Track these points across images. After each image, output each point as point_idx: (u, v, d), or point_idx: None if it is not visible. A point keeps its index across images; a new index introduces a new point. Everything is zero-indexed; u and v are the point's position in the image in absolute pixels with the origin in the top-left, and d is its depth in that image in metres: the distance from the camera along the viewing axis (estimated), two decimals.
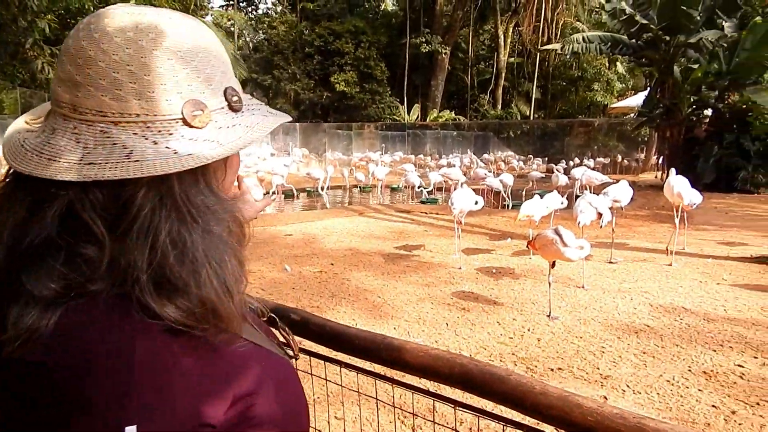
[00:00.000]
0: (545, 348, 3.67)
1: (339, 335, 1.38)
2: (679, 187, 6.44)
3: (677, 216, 6.40)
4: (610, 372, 3.23)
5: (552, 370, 3.30)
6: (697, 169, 12.63)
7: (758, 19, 13.60)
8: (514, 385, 1.08)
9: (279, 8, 34.17)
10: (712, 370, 3.22)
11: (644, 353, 3.51)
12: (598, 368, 3.29)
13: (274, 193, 11.10)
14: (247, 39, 35.51)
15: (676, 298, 4.70)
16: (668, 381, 3.09)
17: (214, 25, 26.71)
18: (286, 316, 1.47)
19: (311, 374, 1.54)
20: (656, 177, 16.64)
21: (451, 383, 1.17)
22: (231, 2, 34.04)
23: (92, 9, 8.46)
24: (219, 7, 35.50)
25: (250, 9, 37.27)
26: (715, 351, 3.51)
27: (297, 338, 1.48)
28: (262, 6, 38.28)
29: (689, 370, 3.23)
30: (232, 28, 30.05)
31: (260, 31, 32.51)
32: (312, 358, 1.47)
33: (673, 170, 6.93)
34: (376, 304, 4.76)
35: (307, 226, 8.73)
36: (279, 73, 27.74)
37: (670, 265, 5.89)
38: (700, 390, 2.97)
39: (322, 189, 11.76)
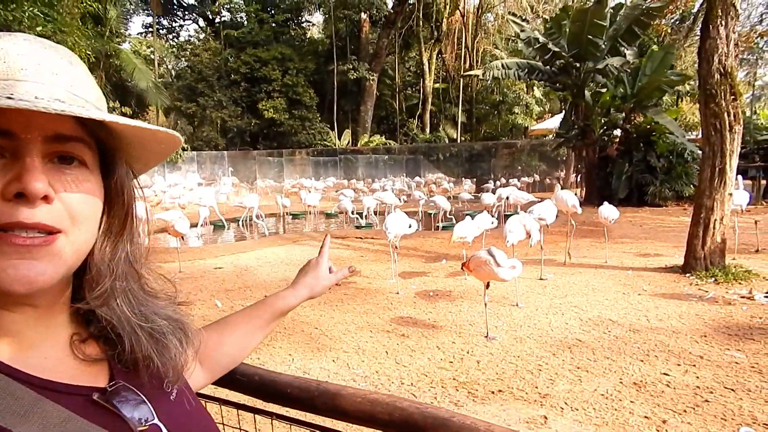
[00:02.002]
0: (485, 370, 3.67)
1: (269, 384, 1.26)
2: (566, 196, 7.16)
3: (574, 225, 6.76)
4: (548, 390, 3.27)
5: (493, 392, 3.30)
6: (611, 186, 13.52)
7: (655, 47, 14.99)
8: (458, 428, 1.02)
9: (202, 35, 33.49)
10: (641, 381, 3.35)
11: (578, 368, 3.60)
12: (537, 387, 3.33)
13: (202, 225, 10.64)
14: (169, 66, 34.43)
15: (603, 310, 4.90)
16: (602, 395, 3.17)
17: (132, 52, 25.65)
18: None
19: (240, 429, 1.41)
20: (576, 194, 17.57)
21: (393, 429, 1.09)
22: (150, 29, 32.94)
23: None
24: (137, 34, 34.21)
25: (171, 36, 36.24)
26: (642, 361, 3.66)
27: (225, 390, 1.36)
28: (183, 33, 37.39)
29: (621, 382, 3.34)
30: (152, 55, 29.00)
31: (182, 59, 31.61)
32: (240, 411, 1.34)
33: (557, 186, 7.53)
34: (313, 336, 4.60)
35: (239, 258, 8.41)
36: (204, 100, 27.00)
37: (564, 263, 6.18)
38: (632, 402, 3.07)
39: (258, 217, 11.43)
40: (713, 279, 5.75)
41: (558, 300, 5.34)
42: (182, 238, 7.95)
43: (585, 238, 9.19)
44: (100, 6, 20.02)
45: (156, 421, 0.58)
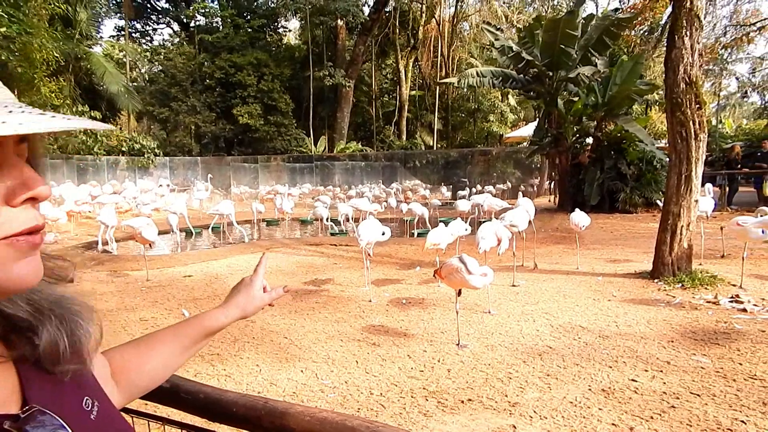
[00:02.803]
0: (455, 379, 3.63)
1: (214, 403, 1.19)
2: (526, 205, 7.47)
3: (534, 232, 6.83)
4: (518, 398, 3.24)
5: (462, 401, 3.26)
6: (584, 193, 13.73)
7: (625, 57, 15.34)
8: None
9: (176, 40, 33.04)
10: (609, 387, 3.35)
11: (548, 375, 3.59)
12: (506, 395, 3.30)
13: (172, 232, 10.40)
14: (142, 71, 33.84)
15: (573, 317, 4.93)
16: (571, 402, 3.16)
17: (104, 55, 25.12)
18: None
19: None
20: (549, 201, 17.85)
21: None
22: (122, 33, 32.33)
23: None
24: (109, 37, 33.54)
25: (144, 40, 35.66)
26: (611, 367, 3.67)
27: (168, 409, 1.28)
28: (157, 37, 36.71)
29: (589, 389, 3.33)
30: (125, 59, 28.46)
31: (156, 63, 31.09)
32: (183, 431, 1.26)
33: (520, 194, 7.80)
34: (282, 345, 4.50)
35: (209, 266, 8.24)
36: (177, 105, 26.56)
37: (534, 268, 6.23)
38: (600, 409, 3.06)
39: (233, 223, 11.26)
40: (680, 284, 5.84)
41: (530, 306, 5.35)
42: (150, 245, 7.75)
43: (558, 245, 9.29)
44: (69, 8, 19.59)
45: None
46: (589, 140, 15.00)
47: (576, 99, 14.55)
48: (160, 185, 19.58)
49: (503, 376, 3.62)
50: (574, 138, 14.89)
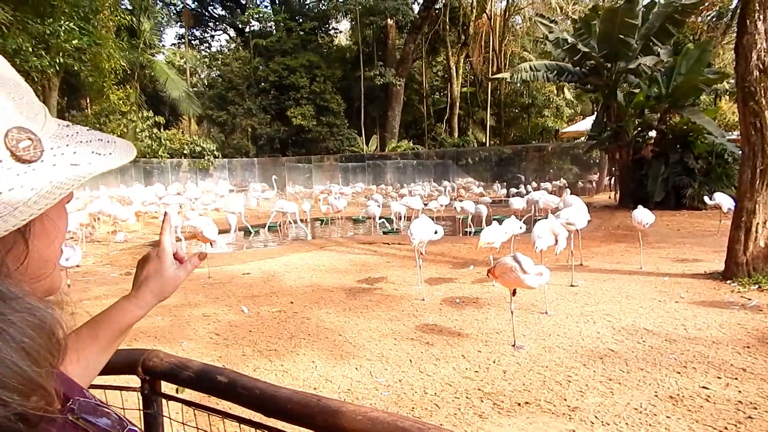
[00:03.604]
0: (511, 380, 3.55)
1: (269, 399, 1.21)
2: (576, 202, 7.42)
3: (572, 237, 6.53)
4: (578, 403, 3.13)
5: (519, 404, 3.18)
6: (647, 189, 13.08)
7: (690, 45, 14.49)
8: None
9: (232, 45, 34.20)
10: (678, 394, 3.17)
11: (610, 380, 3.44)
12: (566, 399, 3.19)
13: (233, 230, 10.78)
14: (201, 76, 35.26)
15: (637, 319, 4.70)
16: (636, 409, 3.01)
17: (166, 63, 26.40)
18: (211, 379, 1.30)
19: None
20: (609, 197, 17.15)
21: None
22: (182, 40, 33.84)
23: (30, 50, 8.15)
24: (171, 45, 35.20)
25: (203, 47, 37.15)
26: (679, 373, 3.47)
27: (227, 403, 1.30)
28: (215, 44, 38.19)
29: (656, 396, 3.17)
30: (185, 66, 29.75)
31: (214, 68, 32.32)
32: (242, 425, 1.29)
33: (566, 191, 7.63)
34: (337, 343, 4.56)
35: (266, 264, 8.46)
36: (234, 108, 27.51)
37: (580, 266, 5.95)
38: (668, 417, 2.90)
39: (296, 222, 11.57)
40: (756, 286, 5.45)
41: (589, 308, 5.15)
42: (211, 244, 8.05)
43: (619, 243, 8.90)
44: (134, 19, 20.70)
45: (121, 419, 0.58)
46: (652, 133, 14.27)
47: (637, 91, 13.88)
48: (225, 188, 20.34)
49: (562, 379, 3.50)
50: (635, 132, 14.22)
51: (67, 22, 9.89)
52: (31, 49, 8.22)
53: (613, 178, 17.36)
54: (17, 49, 7.83)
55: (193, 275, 7.99)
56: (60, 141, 0.47)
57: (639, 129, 14.34)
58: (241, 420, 1.26)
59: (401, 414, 1.08)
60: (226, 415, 1.29)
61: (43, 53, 9.02)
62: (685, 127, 13.10)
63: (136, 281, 0.86)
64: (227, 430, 1.43)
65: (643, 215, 6.86)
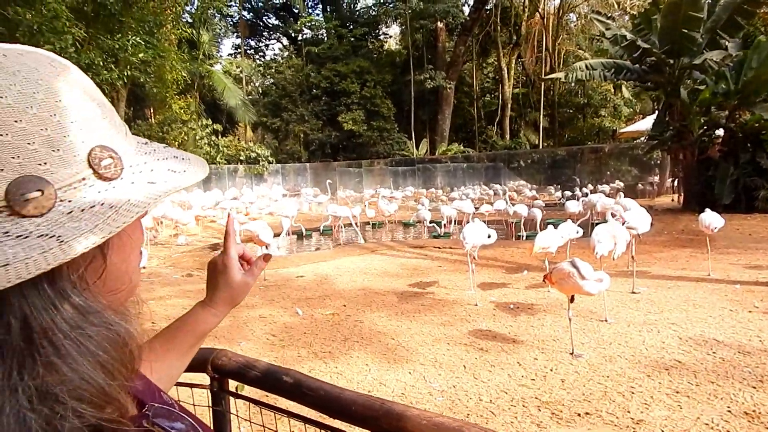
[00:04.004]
0: (570, 390, 3.44)
1: (334, 400, 1.24)
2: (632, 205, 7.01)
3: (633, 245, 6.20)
4: (642, 416, 2.99)
5: (579, 414, 3.07)
6: (714, 191, 12.36)
7: (762, 37, 13.58)
8: None
9: (285, 53, 35.14)
10: (754, 410, 2.97)
11: (677, 393, 3.27)
12: (629, 411, 3.06)
13: (287, 234, 11.07)
14: (256, 84, 36.41)
15: (706, 329, 4.45)
16: (707, 424, 2.84)
17: (223, 72, 27.46)
18: (277, 379, 1.34)
19: None
20: (672, 200, 16.34)
21: None
22: (238, 50, 35.09)
23: (101, 64, 8.68)
24: (227, 55, 36.59)
25: (258, 56, 38.39)
26: (755, 388, 3.25)
27: (290, 402, 1.34)
28: (269, 52, 39.39)
29: (729, 411, 2.98)
30: (241, 75, 30.82)
31: (268, 76, 33.31)
32: (306, 425, 1.33)
33: (621, 194, 7.22)
34: (390, 346, 4.57)
35: (318, 267, 8.61)
36: (287, 115, 28.23)
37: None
38: None
39: (350, 225, 11.77)
40: None
41: (653, 316, 4.92)
42: (266, 247, 8.28)
43: (683, 248, 8.45)
44: (194, 32, 21.68)
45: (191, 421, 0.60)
46: (720, 132, 13.47)
47: (702, 87, 13.14)
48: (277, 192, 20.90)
49: (624, 390, 3.36)
50: (700, 130, 13.46)
51: (134, 37, 10.50)
52: (102, 63, 8.77)
53: (676, 179, 16.53)
54: (90, 63, 8.38)
55: None
56: (139, 158, 0.49)
57: (705, 128, 13.57)
58: (306, 420, 1.29)
59: (466, 420, 1.08)
60: (291, 414, 1.33)
61: (113, 66, 9.61)
62: (757, 124, 12.28)
63: (208, 288, 0.87)
64: (291, 430, 1.46)
65: (711, 219, 6.50)
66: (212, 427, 1.55)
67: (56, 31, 6.60)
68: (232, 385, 1.51)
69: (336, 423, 1.27)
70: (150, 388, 0.63)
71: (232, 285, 0.85)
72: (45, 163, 0.40)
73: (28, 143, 0.39)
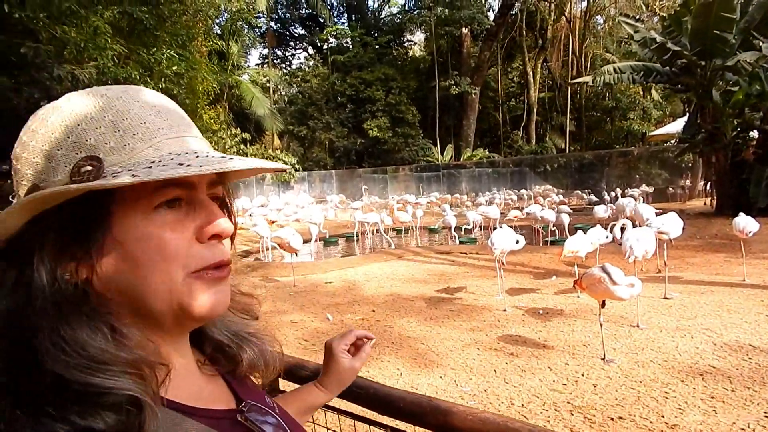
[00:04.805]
0: (602, 395, 3.45)
1: (383, 398, 1.33)
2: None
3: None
4: (677, 420, 2.99)
5: (612, 419, 3.09)
6: (749, 194, 12.05)
7: None
8: None
9: (312, 62, 35.68)
10: None
11: (712, 398, 3.25)
12: (663, 416, 3.06)
13: (315, 241, 11.25)
14: (283, 93, 37.04)
15: (741, 334, 4.38)
16: (743, 429, 2.83)
17: (251, 82, 28.01)
18: None
19: None
20: (705, 204, 15.97)
21: None
22: (266, 60, 35.77)
23: (138, 78, 9.02)
24: (255, 65, 37.32)
25: (284, 65, 39.04)
26: None
27: (341, 400, 1.44)
28: (295, 61, 40.03)
29: (766, 416, 2.96)
30: (268, 84, 31.40)
31: (294, 85, 33.85)
32: (356, 422, 1.42)
33: (640, 200, 7.04)
34: (420, 351, 4.64)
35: (346, 273, 8.73)
36: (314, 123, 28.62)
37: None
38: None
39: (379, 231, 11.93)
40: None
41: (686, 321, 4.87)
42: (296, 254, 8.45)
43: (717, 253, 8.29)
44: (223, 43, 22.21)
45: (283, 424, 0.67)
46: (754, 134, 13.13)
47: (736, 89, 12.85)
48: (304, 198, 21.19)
49: (658, 395, 3.35)
50: (734, 133, 13.15)
51: (168, 51, 10.86)
52: (138, 77, 9.11)
53: (709, 183, 16.15)
54: (127, 77, 8.72)
55: (280, 284, 8.37)
56: (133, 167, 0.52)
57: (738, 130, 13.26)
58: (355, 417, 1.38)
59: (510, 416, 1.15)
60: (341, 411, 1.42)
61: (148, 79, 9.95)
62: None
63: (323, 368, 1.02)
64: (341, 426, 1.56)
65: (745, 223, 6.38)
66: None
67: (98, 47, 6.94)
68: (283, 384, 1.62)
69: (384, 419, 1.36)
70: (255, 390, 0.73)
71: (339, 370, 0.99)
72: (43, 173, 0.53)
73: (96, 134, 0.53)
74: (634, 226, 6.26)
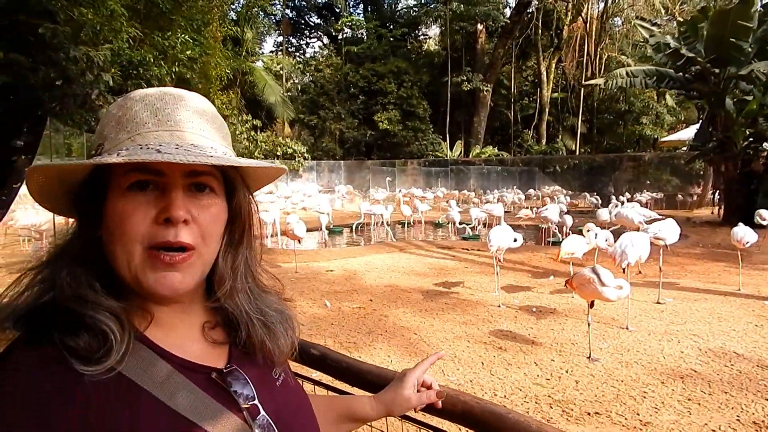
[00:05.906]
0: (583, 391, 3.56)
1: (354, 371, 1.45)
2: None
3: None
4: (651, 419, 3.09)
5: (589, 414, 3.20)
6: (756, 205, 12.01)
7: None
8: (513, 423, 1.11)
9: (325, 52, 35.68)
10: (763, 421, 3.03)
11: (689, 400, 3.35)
12: (638, 414, 3.17)
13: (324, 229, 11.42)
14: (295, 81, 37.10)
15: (727, 341, 4.47)
16: (713, 430, 2.93)
17: (264, 69, 28.10)
18: (306, 351, 1.56)
19: None
20: (712, 213, 15.92)
21: (453, 419, 1.20)
22: (280, 48, 35.83)
23: (152, 61, 9.15)
24: (269, 52, 37.38)
25: (298, 54, 39.07)
26: None
27: (318, 372, 1.56)
28: (309, 50, 40.04)
29: (738, 420, 3.05)
30: (281, 72, 31.48)
31: (307, 74, 33.89)
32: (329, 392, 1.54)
33: (637, 205, 7.19)
34: (412, 341, 4.77)
35: (348, 262, 8.86)
36: (325, 113, 28.68)
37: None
38: None
39: (384, 224, 12.05)
40: None
41: (675, 326, 4.95)
42: (299, 240, 8.58)
43: (717, 262, 8.33)
44: (238, 29, 22.31)
45: (256, 401, 0.69)
46: (766, 145, 13.07)
47: (749, 98, 12.78)
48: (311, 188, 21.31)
49: (636, 394, 3.46)
50: (745, 143, 13.10)
51: (182, 35, 10.98)
52: (152, 60, 9.23)
53: (717, 191, 16.09)
54: (141, 60, 8.85)
55: (282, 269, 8.53)
56: (111, 153, 0.64)
57: (750, 140, 13.20)
58: (328, 387, 1.50)
59: (463, 390, 1.27)
60: (315, 382, 1.54)
61: (162, 63, 10.07)
62: None
63: (384, 391, 1.06)
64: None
65: (744, 233, 6.42)
66: None
67: (114, 30, 7.08)
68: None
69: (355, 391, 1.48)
70: (261, 366, 0.75)
71: (397, 393, 1.03)
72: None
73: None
74: (624, 232, 6.33)
